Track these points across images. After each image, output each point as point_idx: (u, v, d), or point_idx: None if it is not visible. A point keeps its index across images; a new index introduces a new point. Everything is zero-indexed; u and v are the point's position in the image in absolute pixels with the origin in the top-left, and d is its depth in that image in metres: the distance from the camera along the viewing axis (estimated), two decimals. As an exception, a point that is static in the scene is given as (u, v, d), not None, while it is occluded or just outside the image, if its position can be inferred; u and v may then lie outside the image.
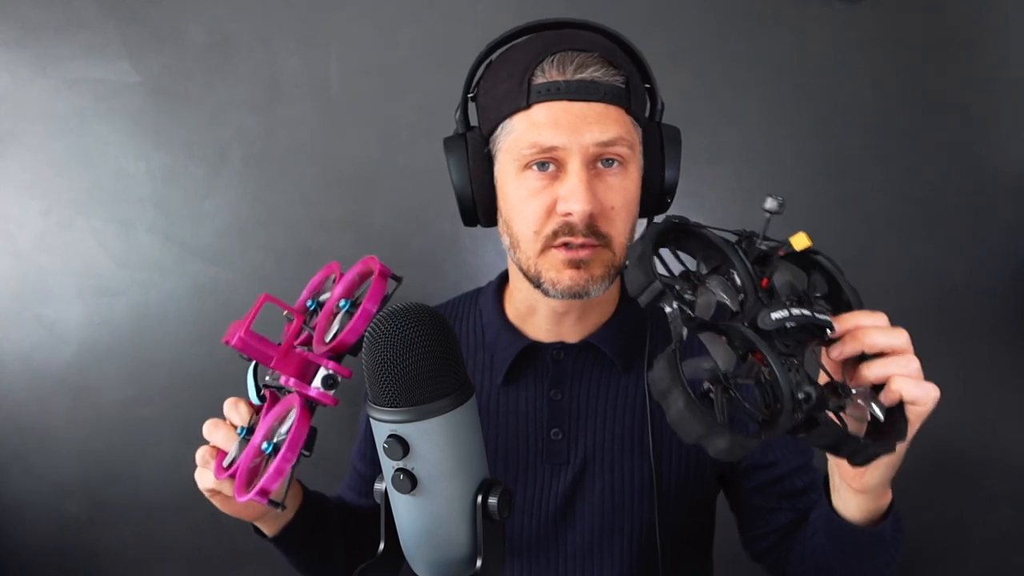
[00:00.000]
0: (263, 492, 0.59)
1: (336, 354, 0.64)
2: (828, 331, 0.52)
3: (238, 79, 1.40)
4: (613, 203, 0.69)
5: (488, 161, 0.73)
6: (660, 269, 0.49)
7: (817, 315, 0.51)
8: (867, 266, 1.35)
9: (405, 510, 0.47)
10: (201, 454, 0.68)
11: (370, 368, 0.45)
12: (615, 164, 0.69)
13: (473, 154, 0.72)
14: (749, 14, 1.37)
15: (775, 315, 0.48)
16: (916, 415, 0.53)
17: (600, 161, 0.68)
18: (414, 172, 1.37)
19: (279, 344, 0.67)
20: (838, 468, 0.62)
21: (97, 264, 1.42)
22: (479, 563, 0.46)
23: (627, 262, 0.49)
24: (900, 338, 0.53)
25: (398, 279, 0.66)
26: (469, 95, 0.75)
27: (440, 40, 1.37)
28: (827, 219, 1.37)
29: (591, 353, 0.78)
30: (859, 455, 0.49)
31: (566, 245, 0.68)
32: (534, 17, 0.77)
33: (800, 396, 0.45)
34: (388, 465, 0.46)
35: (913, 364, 0.52)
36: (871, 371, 0.53)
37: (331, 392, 0.63)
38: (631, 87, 0.69)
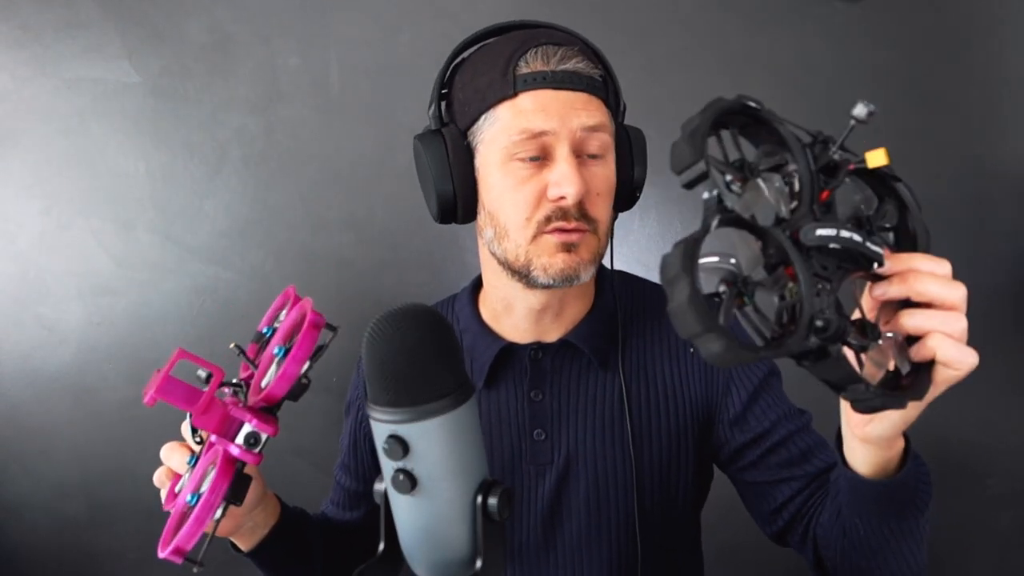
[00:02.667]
0: (178, 551, 0.56)
1: (267, 406, 0.59)
2: (876, 265, 0.47)
3: (238, 79, 1.40)
4: (599, 189, 0.71)
5: (468, 154, 0.73)
6: (715, 152, 0.44)
7: (869, 244, 0.46)
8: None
9: (405, 510, 0.47)
10: (158, 476, 0.68)
11: (370, 368, 0.45)
12: (598, 157, 0.72)
13: (453, 148, 0.72)
14: (749, 14, 1.37)
15: (820, 231, 0.44)
16: (945, 379, 0.48)
17: (587, 154, 0.71)
18: (414, 172, 1.36)
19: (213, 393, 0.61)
20: (844, 413, 0.57)
21: (97, 264, 1.42)
22: (479, 563, 0.46)
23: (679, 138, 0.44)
24: (956, 292, 0.47)
25: (333, 329, 0.60)
26: (443, 91, 0.76)
27: (440, 40, 1.37)
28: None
29: (569, 351, 0.78)
30: (864, 402, 0.45)
31: (559, 230, 0.69)
32: (533, 18, 0.78)
33: (819, 323, 0.42)
34: (388, 465, 0.46)
35: (960, 324, 0.47)
36: (912, 320, 0.47)
37: (255, 450, 0.59)
38: (608, 82, 0.73)
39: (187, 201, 1.41)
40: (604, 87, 0.71)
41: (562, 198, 0.68)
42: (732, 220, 0.42)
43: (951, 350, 0.46)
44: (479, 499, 0.46)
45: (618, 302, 0.80)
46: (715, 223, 0.41)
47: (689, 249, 0.38)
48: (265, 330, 0.66)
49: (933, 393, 0.49)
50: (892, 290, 0.48)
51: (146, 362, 1.43)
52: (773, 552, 1.36)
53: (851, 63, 1.36)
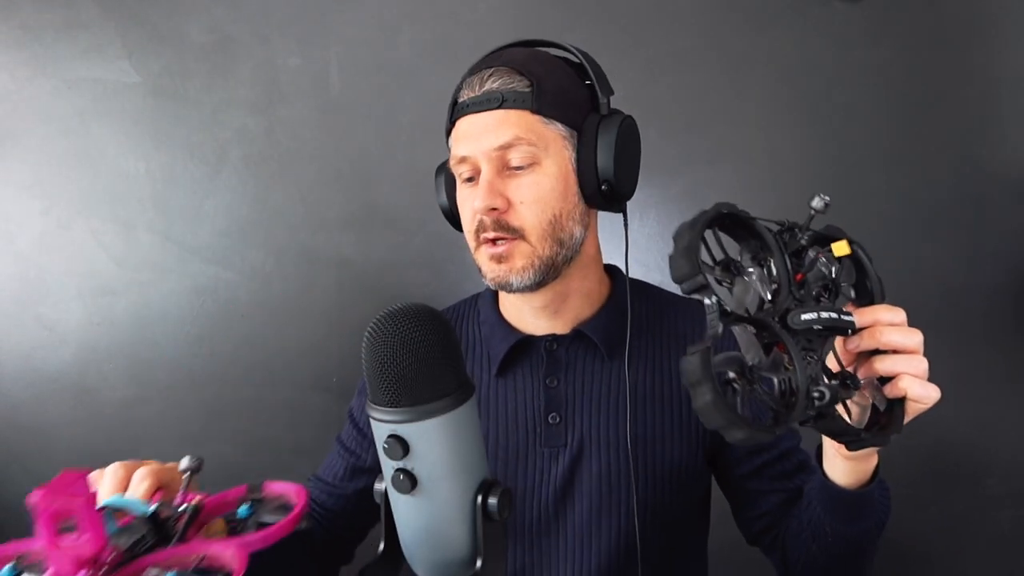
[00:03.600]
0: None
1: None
2: (849, 331, 0.56)
3: (238, 79, 1.40)
4: (523, 199, 0.75)
5: (453, 180, 0.83)
6: (704, 255, 0.52)
7: (843, 317, 0.54)
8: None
9: (405, 510, 0.47)
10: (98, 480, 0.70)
11: (370, 368, 0.45)
12: (525, 168, 0.75)
13: (446, 176, 0.84)
14: (749, 14, 1.37)
15: (804, 316, 0.52)
16: (914, 411, 0.58)
17: (511, 166, 0.75)
18: (414, 172, 1.37)
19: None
20: (832, 442, 0.68)
21: (97, 264, 1.42)
22: (479, 563, 0.46)
23: (672, 250, 0.52)
24: (914, 339, 0.57)
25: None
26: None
27: (440, 40, 1.37)
28: (826, 219, 1.37)
29: (582, 342, 0.83)
30: (856, 445, 0.55)
31: (486, 241, 0.77)
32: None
33: (815, 395, 0.50)
34: (388, 465, 0.46)
35: (922, 365, 0.57)
36: (883, 365, 0.57)
37: None
38: (540, 90, 0.75)
39: (187, 201, 1.41)
40: (530, 97, 0.74)
41: (478, 212, 0.75)
42: (733, 320, 0.51)
43: (919, 388, 0.56)
44: (479, 499, 0.46)
45: (629, 299, 0.84)
46: (720, 328, 0.48)
47: (705, 359, 0.45)
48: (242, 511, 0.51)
49: (906, 420, 0.58)
50: (864, 343, 0.57)
51: (146, 362, 1.44)
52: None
53: (851, 63, 1.36)
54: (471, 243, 0.79)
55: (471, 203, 0.76)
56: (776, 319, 0.52)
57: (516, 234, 0.76)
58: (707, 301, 0.48)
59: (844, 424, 0.54)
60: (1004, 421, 1.43)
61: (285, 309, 1.43)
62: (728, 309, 0.50)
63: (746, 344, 0.51)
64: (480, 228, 0.76)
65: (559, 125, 0.76)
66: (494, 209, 0.75)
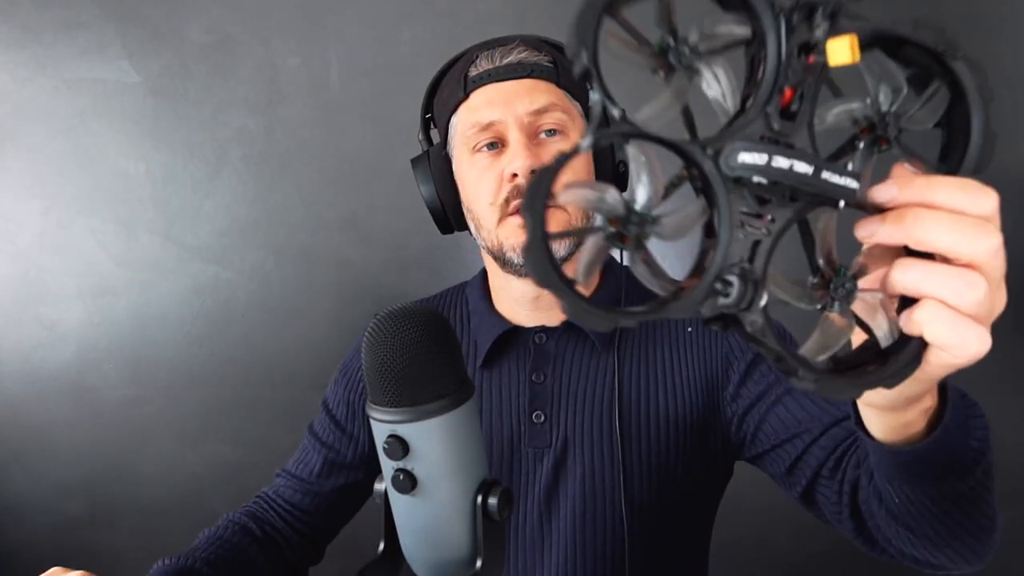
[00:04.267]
0: None
1: None
2: (842, 203, 0.35)
3: (238, 79, 1.40)
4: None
5: (448, 163, 0.79)
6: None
7: (827, 176, 0.34)
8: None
9: (405, 510, 0.47)
10: None
11: (370, 369, 0.45)
12: (556, 134, 0.75)
13: (434, 161, 0.80)
14: (749, 14, 1.37)
15: (743, 157, 0.33)
16: (938, 366, 0.36)
17: (543, 132, 0.74)
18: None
19: None
20: None
21: (97, 264, 1.42)
22: (479, 563, 0.46)
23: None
24: (979, 244, 0.34)
25: None
26: (427, 115, 0.84)
27: (440, 40, 1.37)
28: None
29: (573, 334, 0.80)
30: (807, 383, 0.35)
31: (519, 209, 0.73)
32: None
33: (716, 286, 0.33)
34: (388, 465, 0.46)
35: (971, 292, 0.34)
36: (905, 277, 0.35)
37: None
38: (562, 67, 0.76)
39: (187, 201, 1.41)
40: (554, 72, 0.75)
41: (514, 175, 0.72)
42: (629, 133, 0.32)
43: (944, 328, 0.34)
44: (479, 499, 0.46)
45: (621, 286, 0.82)
46: (587, 143, 0.31)
47: (536, 184, 0.30)
48: None
49: (925, 380, 0.37)
50: (883, 231, 0.35)
51: (146, 362, 1.44)
52: (774, 549, 1.37)
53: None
54: (492, 217, 0.74)
55: (500, 169, 0.73)
56: (711, 151, 0.33)
57: (553, 199, 0.70)
58: (592, 96, 0.32)
59: (777, 350, 0.34)
60: (1004, 421, 1.43)
61: (285, 309, 1.43)
62: (619, 115, 0.32)
63: (644, 182, 0.32)
64: (514, 194, 0.72)
65: (578, 104, 0.77)
66: (533, 171, 0.65)
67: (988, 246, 0.34)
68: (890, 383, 0.36)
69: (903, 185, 0.35)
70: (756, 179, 0.33)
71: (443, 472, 0.45)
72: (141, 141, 1.40)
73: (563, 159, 0.31)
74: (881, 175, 0.37)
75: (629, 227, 0.32)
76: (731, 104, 0.35)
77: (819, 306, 0.36)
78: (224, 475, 1.45)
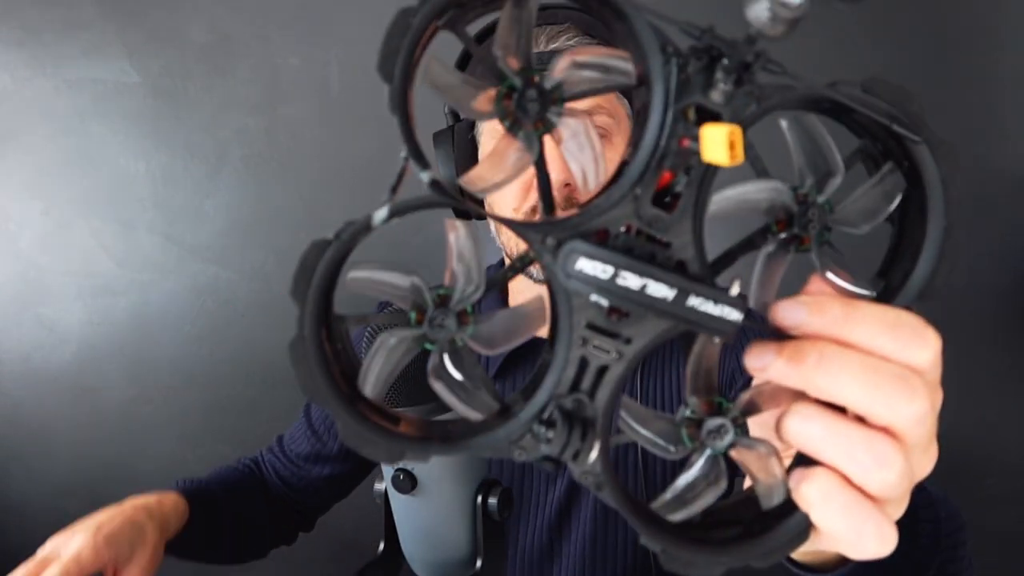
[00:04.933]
0: None
1: None
2: (716, 339, 0.27)
3: (238, 79, 1.40)
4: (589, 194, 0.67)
5: (473, 145, 0.72)
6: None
7: (695, 304, 0.25)
8: (867, 265, 1.35)
9: (405, 510, 0.47)
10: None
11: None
12: (601, 137, 0.68)
13: (459, 142, 0.72)
14: (749, 14, 1.37)
15: (581, 264, 0.25)
16: (830, 549, 0.28)
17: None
18: (415, 172, 1.37)
19: None
20: None
21: (97, 264, 1.42)
22: (479, 563, 0.46)
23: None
24: (898, 408, 0.26)
25: None
26: None
27: (440, 40, 1.37)
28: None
29: None
30: (653, 545, 0.27)
31: None
32: None
33: (535, 426, 0.26)
34: (388, 465, 0.46)
35: (882, 472, 0.25)
36: (801, 430, 0.27)
37: None
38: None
39: (187, 201, 1.41)
40: None
41: None
42: (432, 205, 0.26)
43: (836, 516, 0.26)
44: (479, 499, 0.46)
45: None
46: (381, 216, 0.26)
47: (308, 259, 0.25)
48: None
49: (822, 554, 0.31)
50: (777, 369, 0.26)
51: (146, 362, 1.44)
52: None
53: (851, 63, 1.36)
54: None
55: (525, 177, 0.64)
56: (551, 243, 0.26)
57: None
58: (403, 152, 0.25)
59: (625, 499, 0.27)
60: (1004, 421, 1.42)
61: (285, 309, 1.42)
62: (428, 181, 0.26)
63: (464, 268, 0.27)
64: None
65: (627, 104, 0.70)
66: (567, 185, 0.64)
67: (911, 412, 0.26)
68: (763, 561, 0.27)
69: (815, 309, 0.26)
70: (594, 298, 0.25)
71: (443, 472, 0.45)
72: (141, 141, 1.40)
73: (355, 232, 0.25)
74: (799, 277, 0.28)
75: (438, 329, 0.26)
76: (599, 173, 0.26)
77: (690, 451, 0.28)
78: (224, 475, 1.45)
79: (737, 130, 0.24)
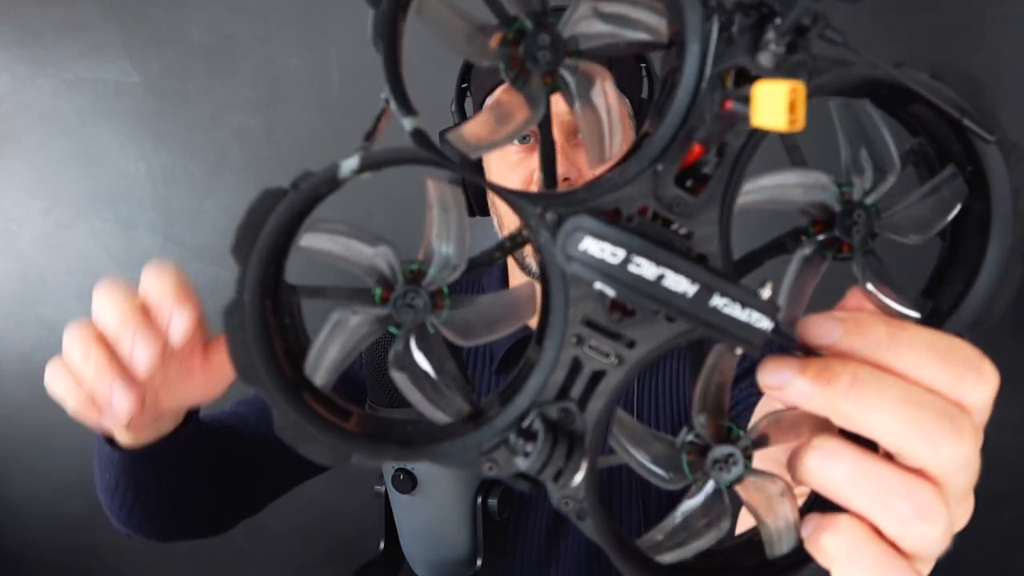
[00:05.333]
0: None
1: None
2: (739, 349, 0.23)
3: (238, 79, 1.40)
4: (595, 173, 0.66)
5: None
6: None
7: (719, 304, 0.21)
8: (853, 282, 1.35)
9: (405, 510, 0.47)
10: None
11: (369, 369, 0.45)
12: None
13: None
14: (749, 14, 1.37)
15: (586, 244, 0.21)
16: None
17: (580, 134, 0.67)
18: (414, 172, 1.36)
19: None
20: None
21: (97, 264, 1.42)
22: (479, 563, 0.46)
23: None
24: (941, 449, 0.22)
25: None
26: (463, 85, 0.76)
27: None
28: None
29: None
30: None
31: None
32: None
33: (510, 436, 0.22)
34: (388, 465, 0.46)
35: (922, 525, 0.22)
36: (823, 471, 0.22)
37: None
38: (617, 60, 0.67)
39: (188, 201, 1.41)
40: (607, 62, 0.68)
41: None
42: (413, 161, 0.24)
43: (862, 574, 0.22)
44: (479, 499, 0.46)
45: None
46: (349, 166, 0.23)
47: (252, 214, 0.21)
48: None
49: None
50: (800, 389, 0.22)
51: (146, 362, 1.44)
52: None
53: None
54: (514, 218, 0.67)
55: (531, 169, 0.66)
56: (551, 218, 0.22)
57: None
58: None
59: (609, 534, 0.23)
60: (1004, 421, 1.42)
61: (285, 309, 1.43)
62: (411, 129, 0.24)
63: (450, 238, 0.23)
64: None
65: (627, 103, 0.70)
66: (567, 179, 0.63)
67: (955, 455, 0.22)
68: None
69: (853, 327, 0.22)
70: (598, 286, 0.21)
71: (443, 472, 0.45)
72: (141, 141, 1.40)
73: (316, 183, 0.20)
74: (830, 291, 0.24)
75: (406, 309, 0.22)
76: (614, 143, 0.23)
77: (689, 480, 0.24)
78: (224, 475, 1.45)
79: (800, 87, 0.19)
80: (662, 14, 0.22)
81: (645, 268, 0.20)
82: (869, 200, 0.24)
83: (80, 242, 1.41)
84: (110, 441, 0.56)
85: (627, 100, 0.71)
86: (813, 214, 0.24)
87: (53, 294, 1.43)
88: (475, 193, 0.74)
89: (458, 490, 0.46)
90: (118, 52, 1.39)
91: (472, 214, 0.77)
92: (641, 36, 0.22)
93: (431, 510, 0.47)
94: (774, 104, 0.19)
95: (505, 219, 0.71)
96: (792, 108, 0.19)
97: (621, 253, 0.20)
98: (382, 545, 0.50)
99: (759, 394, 0.31)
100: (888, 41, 1.37)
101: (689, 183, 0.22)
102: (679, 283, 0.20)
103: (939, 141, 0.24)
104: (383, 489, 0.49)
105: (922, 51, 1.37)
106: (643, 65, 0.73)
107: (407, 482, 0.45)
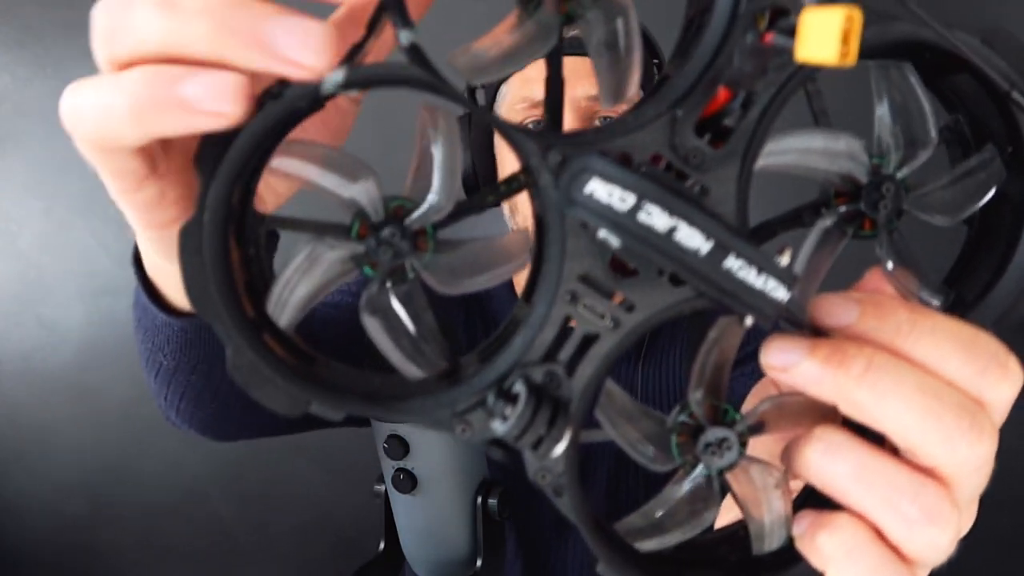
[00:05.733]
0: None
1: None
2: (746, 318, 0.20)
3: (238, 79, 1.40)
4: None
5: (490, 132, 0.72)
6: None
7: (734, 266, 0.19)
8: (866, 265, 1.35)
9: (405, 510, 0.47)
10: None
11: (371, 368, 0.45)
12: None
13: (475, 128, 0.71)
14: (749, 15, 1.37)
15: (592, 187, 0.19)
16: None
17: (599, 120, 0.65)
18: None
19: None
20: None
21: (98, 264, 1.42)
22: (479, 563, 0.46)
23: None
24: (958, 449, 0.21)
25: None
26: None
27: (440, 40, 1.37)
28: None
29: None
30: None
31: None
32: None
33: (488, 396, 0.20)
34: (388, 465, 0.46)
35: (929, 529, 0.20)
36: (824, 464, 0.21)
37: None
38: None
39: (188, 201, 1.42)
40: None
41: None
42: (404, 80, 0.19)
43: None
44: (479, 499, 0.46)
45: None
46: (335, 79, 0.19)
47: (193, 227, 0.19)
48: None
49: None
50: (808, 371, 0.20)
51: (146, 362, 1.44)
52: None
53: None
54: (528, 208, 0.66)
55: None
56: (554, 160, 0.19)
57: None
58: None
59: (586, 514, 0.22)
60: (1004, 423, 1.42)
61: (285, 309, 1.43)
62: (407, 44, 0.19)
63: (440, 171, 0.21)
64: None
65: (640, 92, 0.69)
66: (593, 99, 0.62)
67: (972, 455, 0.21)
68: None
69: (872, 309, 0.21)
70: (603, 235, 0.19)
71: (443, 472, 0.46)
72: (142, 141, 1.41)
73: (295, 97, 0.18)
74: (846, 271, 0.23)
75: (384, 247, 0.20)
76: (631, 83, 0.21)
77: (678, 463, 0.22)
78: (225, 475, 1.45)
79: (857, 14, 0.16)
80: None
81: (657, 218, 0.18)
82: (901, 174, 0.22)
83: (80, 242, 1.42)
84: (162, 306, 0.43)
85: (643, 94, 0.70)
86: (837, 185, 0.22)
87: (53, 294, 1.43)
88: (488, 184, 0.73)
89: (458, 490, 0.46)
90: (118, 52, 1.39)
91: (476, 191, 0.75)
92: None
93: (431, 510, 0.47)
94: (826, 32, 0.17)
95: (519, 205, 0.68)
96: (846, 38, 0.17)
97: (631, 199, 0.18)
98: (382, 545, 0.50)
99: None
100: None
101: (708, 136, 0.20)
102: (692, 238, 0.18)
103: (977, 118, 0.22)
104: (383, 489, 0.49)
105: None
106: (655, 62, 0.73)
107: (407, 482, 0.45)
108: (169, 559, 1.46)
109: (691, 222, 0.18)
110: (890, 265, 0.22)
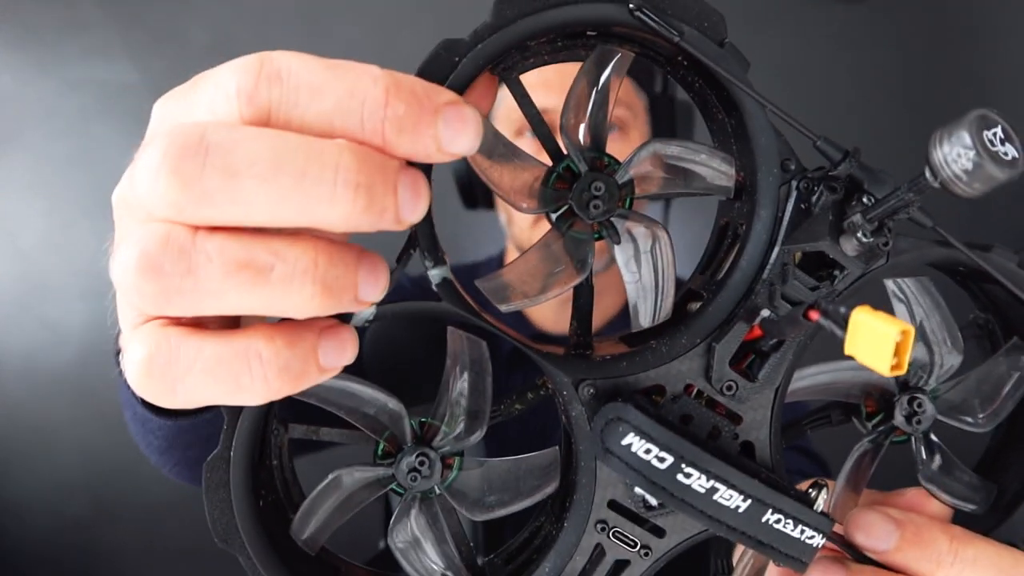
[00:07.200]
0: None
1: None
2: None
3: (239, 80, 1.40)
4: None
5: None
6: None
7: (772, 520, 0.18)
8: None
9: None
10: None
11: (370, 367, 0.45)
12: (615, 130, 0.65)
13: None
14: (749, 14, 1.37)
15: (630, 440, 0.18)
16: None
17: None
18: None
19: None
20: None
21: (99, 264, 1.42)
22: (479, 563, 0.46)
23: None
24: None
25: None
26: None
27: (440, 40, 1.38)
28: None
29: None
30: None
31: None
32: None
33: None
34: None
35: None
36: None
37: None
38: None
39: (188, 201, 1.42)
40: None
41: None
42: (424, 316, 0.20)
43: None
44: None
45: None
46: (369, 312, 0.19)
47: None
48: None
49: None
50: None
51: (147, 362, 1.44)
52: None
53: (851, 64, 1.36)
54: (527, 215, 0.64)
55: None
56: (587, 393, 0.21)
57: None
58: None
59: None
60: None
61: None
62: (438, 280, 0.22)
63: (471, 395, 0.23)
64: None
65: (645, 97, 0.69)
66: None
67: None
68: None
69: (912, 536, 0.20)
70: (639, 492, 0.19)
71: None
72: (143, 141, 1.41)
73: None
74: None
75: (419, 478, 0.20)
76: (658, 308, 0.20)
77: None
78: (225, 475, 1.45)
79: (910, 332, 0.16)
80: (730, 162, 0.20)
81: (695, 479, 0.17)
82: (930, 385, 0.21)
83: (82, 242, 1.42)
84: (151, 407, 0.44)
85: (644, 94, 0.69)
86: (868, 393, 0.22)
87: (55, 295, 1.43)
88: (482, 186, 0.73)
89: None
90: (120, 52, 1.39)
91: (475, 206, 0.74)
92: (705, 185, 0.19)
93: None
94: (879, 344, 0.16)
95: (514, 226, 0.67)
96: (899, 353, 0.16)
97: (669, 460, 0.17)
98: (382, 545, 0.50)
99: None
100: (888, 41, 1.37)
101: (763, 348, 0.19)
102: (731, 499, 0.18)
103: (1009, 321, 0.23)
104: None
105: (922, 51, 1.37)
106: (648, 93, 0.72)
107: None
108: (169, 559, 1.46)
109: (729, 484, 0.18)
110: (927, 483, 0.23)
